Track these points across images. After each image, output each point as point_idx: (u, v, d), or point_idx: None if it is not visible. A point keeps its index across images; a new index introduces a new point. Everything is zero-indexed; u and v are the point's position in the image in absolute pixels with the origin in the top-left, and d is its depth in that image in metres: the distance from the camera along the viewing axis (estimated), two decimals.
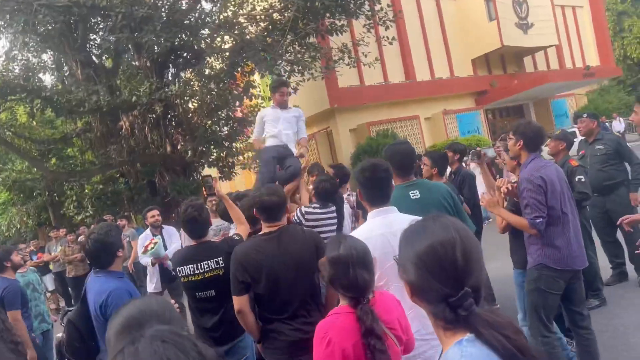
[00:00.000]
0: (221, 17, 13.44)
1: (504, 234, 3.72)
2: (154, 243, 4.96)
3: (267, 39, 12.84)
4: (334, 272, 1.99)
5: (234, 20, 13.35)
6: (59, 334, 3.78)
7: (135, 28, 11.56)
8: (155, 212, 6.24)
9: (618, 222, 3.55)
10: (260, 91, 16.32)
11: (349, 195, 5.54)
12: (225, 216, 4.70)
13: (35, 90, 12.99)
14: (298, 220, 3.71)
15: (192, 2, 13.39)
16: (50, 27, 12.49)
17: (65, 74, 15.32)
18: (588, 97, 28.74)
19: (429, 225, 1.25)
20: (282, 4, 13.20)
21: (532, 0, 24.11)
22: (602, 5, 31.02)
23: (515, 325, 1.13)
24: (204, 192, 6.54)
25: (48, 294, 10.33)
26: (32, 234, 18.99)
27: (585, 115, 5.62)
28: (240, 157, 16.98)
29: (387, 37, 14.10)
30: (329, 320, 2.01)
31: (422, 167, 5.30)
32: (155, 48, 12.25)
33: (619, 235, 5.42)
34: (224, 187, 26.69)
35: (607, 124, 20.87)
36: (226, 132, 15.44)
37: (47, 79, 17.36)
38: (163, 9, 12.44)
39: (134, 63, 14.75)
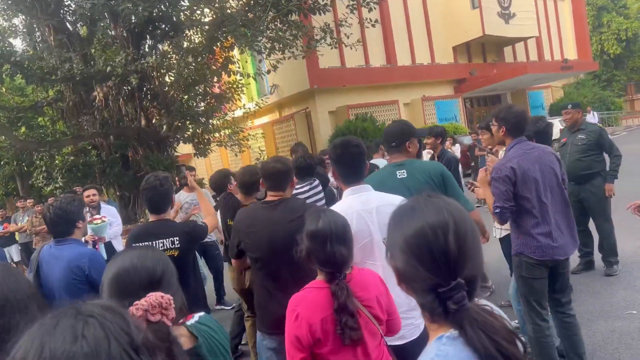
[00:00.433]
0: None
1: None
2: (102, 221, 4.66)
3: (249, 14, 12.56)
4: (311, 246, 1.94)
5: None
6: None
7: None
8: (91, 191, 5.79)
9: (627, 207, 3.50)
10: (239, 67, 16.04)
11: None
12: (218, 189, 4.85)
13: (4, 55, 12.56)
14: None
15: None
16: None
17: (37, 40, 14.80)
18: (564, 90, 29.26)
19: (420, 206, 1.11)
20: None
21: None
22: None
23: (510, 332, 1.00)
24: (177, 182, 6.35)
25: (13, 265, 10.11)
26: None
27: (570, 106, 5.65)
28: (217, 134, 16.76)
29: (370, 20, 13.99)
30: (301, 294, 1.99)
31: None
32: (133, 18, 11.84)
33: (591, 225, 5.54)
34: (198, 164, 26.15)
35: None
36: (203, 107, 15.20)
37: (18, 43, 16.74)
38: None
39: (110, 32, 14.27)
